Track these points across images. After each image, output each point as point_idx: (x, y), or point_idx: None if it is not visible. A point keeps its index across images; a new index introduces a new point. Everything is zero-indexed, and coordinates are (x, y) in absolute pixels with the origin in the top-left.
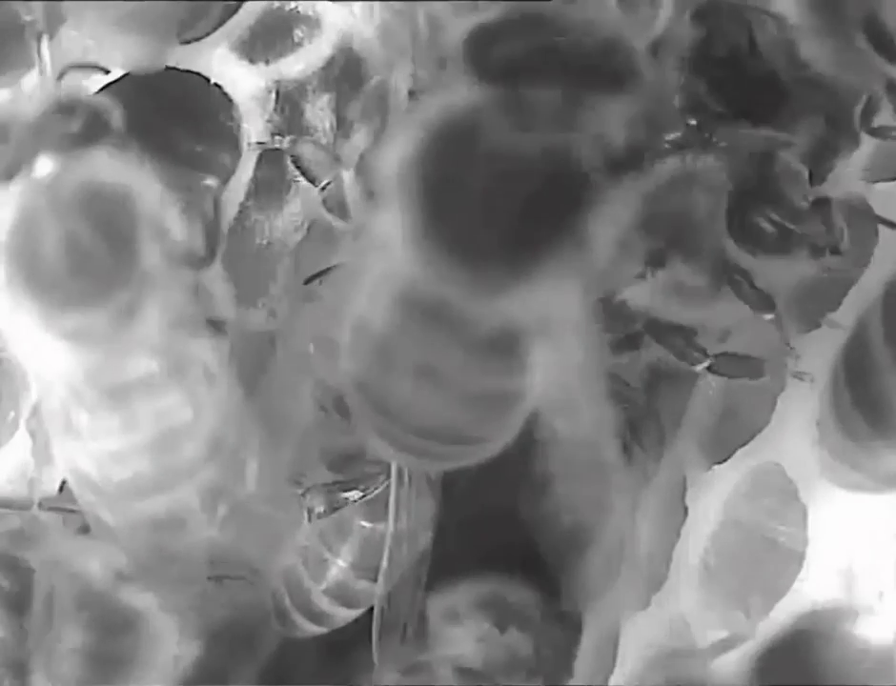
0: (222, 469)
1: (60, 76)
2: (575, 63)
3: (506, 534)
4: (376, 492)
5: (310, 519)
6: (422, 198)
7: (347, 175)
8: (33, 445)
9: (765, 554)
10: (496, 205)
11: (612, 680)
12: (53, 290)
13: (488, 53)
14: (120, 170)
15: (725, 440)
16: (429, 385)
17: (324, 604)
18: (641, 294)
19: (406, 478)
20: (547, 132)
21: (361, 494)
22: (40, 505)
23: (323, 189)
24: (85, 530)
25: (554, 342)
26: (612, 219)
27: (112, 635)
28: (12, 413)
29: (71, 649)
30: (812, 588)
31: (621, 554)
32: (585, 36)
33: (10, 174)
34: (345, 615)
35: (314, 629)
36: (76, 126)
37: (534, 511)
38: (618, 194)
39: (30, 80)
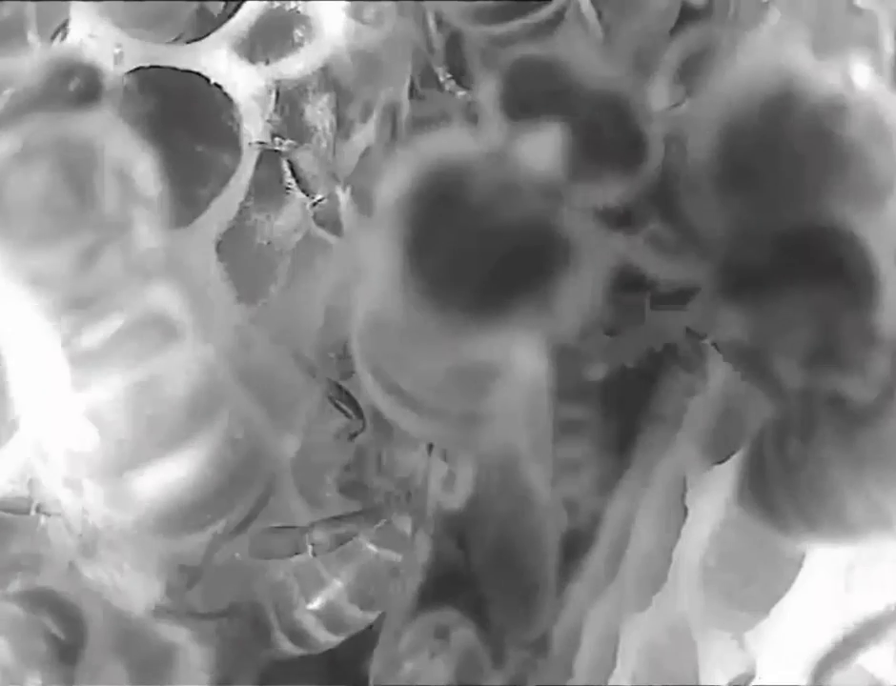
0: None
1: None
2: (582, 130)
3: None
4: (380, 525)
5: (314, 553)
6: (407, 236)
7: (343, 195)
8: None
9: (766, 554)
10: (470, 259)
11: (612, 680)
12: (17, 227)
13: (519, 88)
14: (88, 119)
15: (725, 440)
16: (411, 400)
17: (309, 624)
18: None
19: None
20: (532, 200)
21: (367, 526)
22: (37, 509)
23: (315, 204)
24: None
25: (510, 387)
26: (582, 288)
27: (154, 671)
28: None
29: None
30: (812, 588)
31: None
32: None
33: None
34: (328, 640)
35: (293, 650)
36: (74, 86)
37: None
38: (594, 255)
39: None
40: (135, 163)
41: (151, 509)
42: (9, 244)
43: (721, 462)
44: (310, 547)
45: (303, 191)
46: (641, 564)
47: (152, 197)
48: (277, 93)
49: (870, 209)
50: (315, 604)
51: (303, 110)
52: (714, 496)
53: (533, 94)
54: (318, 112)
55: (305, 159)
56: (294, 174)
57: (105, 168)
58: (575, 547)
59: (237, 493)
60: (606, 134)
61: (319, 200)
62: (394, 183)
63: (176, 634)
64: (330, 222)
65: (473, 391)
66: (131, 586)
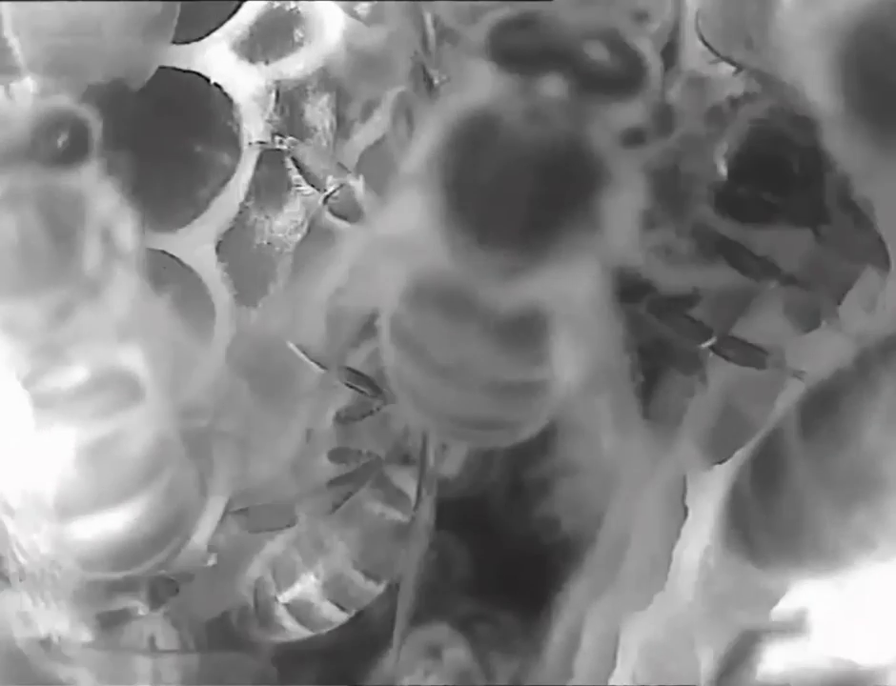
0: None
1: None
2: (583, 69)
3: None
4: (371, 482)
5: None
6: (446, 186)
7: (357, 182)
8: None
9: None
10: (512, 192)
11: (612, 680)
12: None
13: (507, 44)
14: (78, 175)
15: (725, 440)
16: (456, 376)
17: (314, 596)
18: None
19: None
20: (560, 123)
21: (355, 487)
22: None
23: (328, 196)
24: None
25: (573, 320)
26: (623, 200)
27: None
28: None
29: None
30: (811, 587)
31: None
32: (594, 41)
33: None
34: (333, 616)
35: (296, 629)
36: (63, 141)
37: (530, 515)
38: (629, 176)
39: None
40: (118, 220)
41: (81, 551)
42: None
43: (721, 462)
44: (302, 517)
45: (312, 185)
46: (641, 564)
47: (132, 255)
48: (277, 93)
49: None
50: (319, 574)
51: (303, 110)
52: (714, 496)
53: (523, 50)
54: (318, 112)
55: (308, 155)
56: (300, 170)
57: (89, 224)
58: (575, 547)
59: (163, 542)
60: (605, 66)
61: (333, 192)
62: (425, 142)
63: (62, 671)
64: (349, 211)
65: (528, 349)
66: (43, 618)
